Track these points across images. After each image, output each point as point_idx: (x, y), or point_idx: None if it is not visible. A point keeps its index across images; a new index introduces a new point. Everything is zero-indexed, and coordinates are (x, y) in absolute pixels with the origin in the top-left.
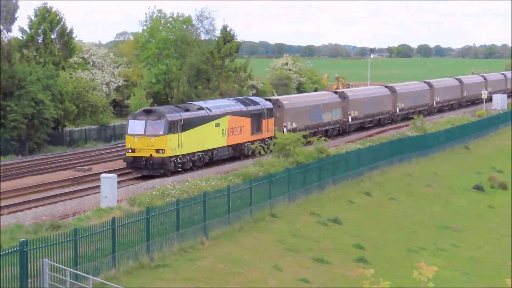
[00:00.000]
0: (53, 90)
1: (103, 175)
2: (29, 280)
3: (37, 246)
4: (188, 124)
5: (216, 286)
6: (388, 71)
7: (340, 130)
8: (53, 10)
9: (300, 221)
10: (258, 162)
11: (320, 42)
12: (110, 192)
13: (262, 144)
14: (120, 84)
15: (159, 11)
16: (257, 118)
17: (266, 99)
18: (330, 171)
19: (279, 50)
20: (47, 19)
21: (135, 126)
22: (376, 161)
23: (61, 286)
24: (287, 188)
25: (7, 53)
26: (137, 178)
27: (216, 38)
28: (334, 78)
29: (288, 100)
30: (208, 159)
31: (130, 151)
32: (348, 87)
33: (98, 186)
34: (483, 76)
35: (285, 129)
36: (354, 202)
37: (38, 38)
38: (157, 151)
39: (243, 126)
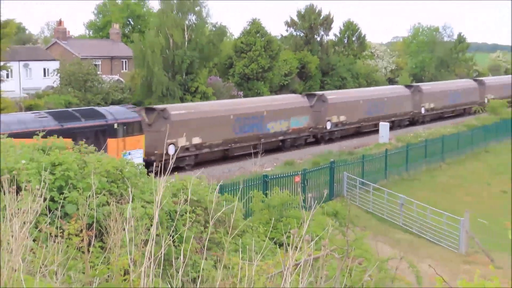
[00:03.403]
0: (352, 71)
1: (381, 123)
2: (335, 184)
3: (340, 164)
4: None
5: (448, 195)
6: None
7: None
8: (354, 23)
9: (505, 154)
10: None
11: None
12: (385, 133)
13: None
14: (393, 68)
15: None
16: None
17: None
18: None
19: None
20: (350, 28)
21: None
22: None
23: (353, 189)
24: (496, 135)
25: (326, 49)
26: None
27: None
28: None
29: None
30: None
31: None
32: None
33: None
34: None
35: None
36: None
37: (344, 39)
38: None
39: None
